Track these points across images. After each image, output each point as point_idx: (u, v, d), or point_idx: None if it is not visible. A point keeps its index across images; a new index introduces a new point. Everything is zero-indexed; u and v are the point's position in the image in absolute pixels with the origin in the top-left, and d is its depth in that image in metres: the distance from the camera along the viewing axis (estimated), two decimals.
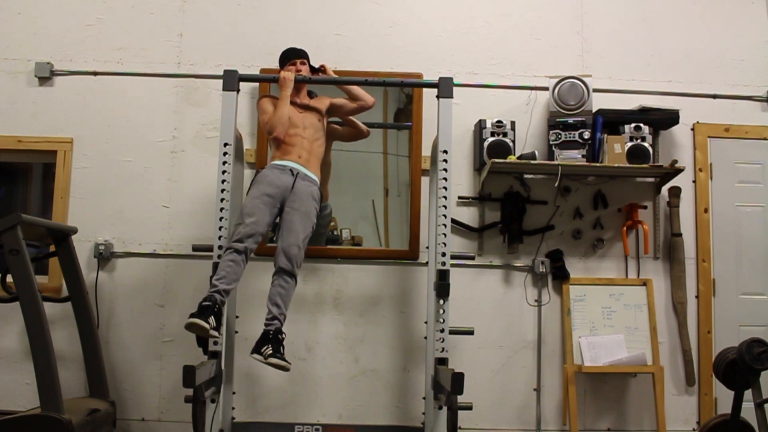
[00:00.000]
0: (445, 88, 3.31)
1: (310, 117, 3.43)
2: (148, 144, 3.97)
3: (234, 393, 3.66)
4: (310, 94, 3.61)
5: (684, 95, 4.09)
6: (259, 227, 3.13)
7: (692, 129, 4.10)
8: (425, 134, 3.92)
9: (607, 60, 4.12)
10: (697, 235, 4.02)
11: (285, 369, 3.01)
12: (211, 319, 2.91)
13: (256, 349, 3.05)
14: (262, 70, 3.88)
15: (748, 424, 3.17)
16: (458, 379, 2.76)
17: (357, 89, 3.50)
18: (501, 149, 3.83)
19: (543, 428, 3.87)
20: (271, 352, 3.00)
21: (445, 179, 3.23)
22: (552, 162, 3.80)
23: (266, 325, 3.10)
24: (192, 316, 2.89)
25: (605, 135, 3.84)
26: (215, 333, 2.94)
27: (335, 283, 3.92)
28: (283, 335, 3.09)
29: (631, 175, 3.97)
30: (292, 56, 3.54)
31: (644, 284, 3.93)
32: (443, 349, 3.17)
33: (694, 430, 3.91)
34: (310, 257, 3.87)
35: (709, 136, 4.09)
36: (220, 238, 3.15)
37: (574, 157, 3.81)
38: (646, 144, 3.86)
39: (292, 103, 3.41)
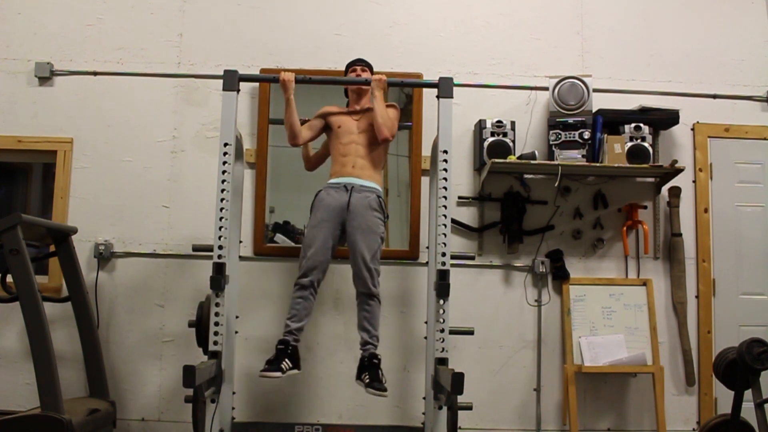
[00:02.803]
0: (445, 88, 3.30)
1: (367, 121, 3.39)
2: (148, 144, 3.97)
3: (234, 393, 3.65)
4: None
5: (684, 95, 4.09)
6: (320, 256, 3.20)
7: (692, 129, 4.10)
8: (425, 134, 3.92)
9: (607, 60, 4.12)
10: (697, 235, 4.02)
11: (382, 396, 3.09)
12: (285, 363, 3.07)
13: (358, 376, 3.16)
14: (262, 70, 3.88)
15: (748, 424, 3.17)
16: (458, 379, 2.75)
17: (383, 116, 3.33)
18: (501, 149, 3.83)
19: (543, 428, 3.87)
20: (368, 380, 3.09)
21: (445, 179, 3.22)
22: (552, 162, 3.80)
23: (362, 351, 3.19)
24: (268, 365, 3.08)
25: (605, 135, 3.84)
26: (294, 371, 3.13)
27: (335, 283, 3.91)
28: (378, 358, 3.16)
29: (631, 175, 3.97)
30: (352, 63, 3.57)
31: (644, 284, 3.93)
32: (443, 349, 3.16)
33: (694, 430, 3.91)
34: None
35: (709, 136, 4.09)
36: (220, 238, 3.15)
37: (574, 157, 3.81)
38: (646, 144, 3.86)
39: (349, 113, 3.46)
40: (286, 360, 3.09)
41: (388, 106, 3.48)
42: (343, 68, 3.92)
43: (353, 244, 3.24)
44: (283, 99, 3.37)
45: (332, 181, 3.36)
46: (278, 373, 3.05)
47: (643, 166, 3.80)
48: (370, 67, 3.60)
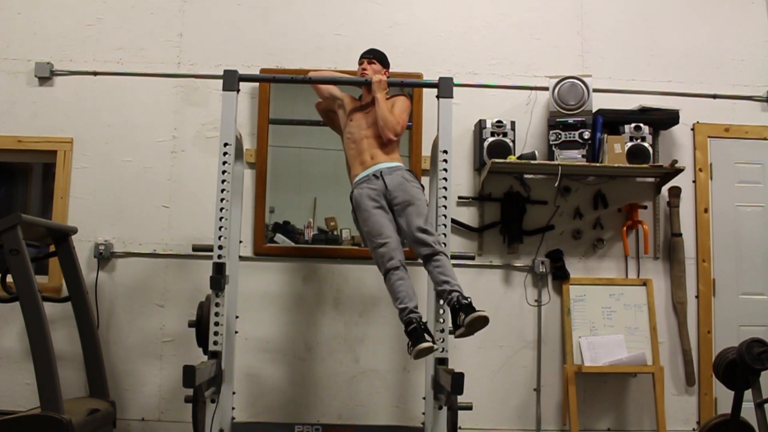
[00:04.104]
0: (445, 88, 3.30)
1: (375, 114, 3.36)
2: (148, 144, 3.97)
3: (234, 393, 3.65)
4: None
5: (684, 95, 4.09)
6: (393, 236, 3.16)
7: (692, 129, 4.10)
8: (425, 134, 3.92)
9: (607, 60, 4.12)
10: (697, 235, 4.02)
11: (486, 320, 2.93)
12: (427, 336, 2.94)
13: (454, 323, 2.99)
14: (262, 70, 3.88)
15: (748, 424, 3.17)
16: (458, 379, 2.76)
17: (384, 118, 3.33)
18: (501, 149, 3.83)
19: (543, 428, 3.87)
20: (465, 315, 2.93)
21: (445, 179, 3.23)
22: (552, 162, 3.80)
23: (449, 301, 3.03)
24: (413, 345, 2.92)
25: (605, 135, 3.84)
26: (436, 345, 2.98)
27: (335, 283, 3.91)
28: (468, 298, 3.01)
29: (631, 175, 3.97)
30: (361, 56, 3.53)
31: (644, 284, 3.93)
32: (443, 349, 3.16)
33: (694, 430, 3.91)
34: (311, 257, 3.89)
35: (709, 136, 4.09)
36: (220, 238, 3.15)
37: (574, 157, 3.81)
38: (646, 144, 3.86)
39: (361, 107, 3.44)
40: (425, 335, 2.96)
41: (396, 95, 3.48)
42: (343, 68, 3.94)
43: (405, 217, 3.19)
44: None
45: (358, 178, 3.32)
46: (429, 343, 2.90)
47: (643, 166, 3.80)
48: (379, 57, 3.54)
